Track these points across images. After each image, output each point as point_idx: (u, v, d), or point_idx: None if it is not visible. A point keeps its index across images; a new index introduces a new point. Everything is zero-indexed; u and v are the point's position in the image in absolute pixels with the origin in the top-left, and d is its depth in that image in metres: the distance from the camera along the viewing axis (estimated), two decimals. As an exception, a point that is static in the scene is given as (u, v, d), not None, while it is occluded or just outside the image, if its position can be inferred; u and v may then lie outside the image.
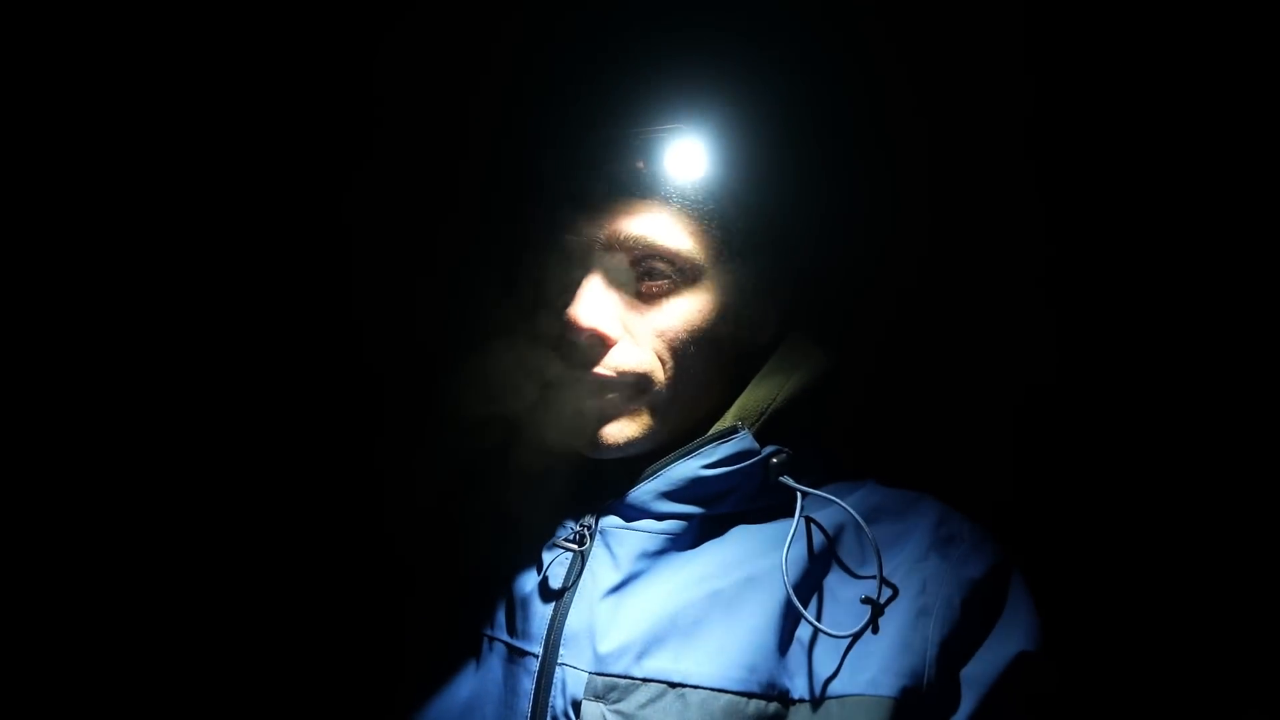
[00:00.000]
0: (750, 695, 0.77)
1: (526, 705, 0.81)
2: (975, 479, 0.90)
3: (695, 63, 0.85)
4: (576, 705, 0.79)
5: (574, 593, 0.83)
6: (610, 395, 0.84)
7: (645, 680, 0.78)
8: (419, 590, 0.89)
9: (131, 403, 1.00)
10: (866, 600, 0.78)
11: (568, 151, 0.84)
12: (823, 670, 0.78)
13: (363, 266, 1.01)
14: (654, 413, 0.86)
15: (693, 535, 0.86)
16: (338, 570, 0.91)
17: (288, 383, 1.03)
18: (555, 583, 0.84)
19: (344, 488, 0.96)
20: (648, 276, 0.85)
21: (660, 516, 0.85)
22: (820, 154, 0.92)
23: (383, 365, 0.99)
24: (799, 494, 0.84)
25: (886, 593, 0.79)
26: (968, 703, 0.77)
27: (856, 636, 0.78)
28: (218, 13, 0.98)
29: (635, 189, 0.84)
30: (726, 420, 0.87)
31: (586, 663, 0.80)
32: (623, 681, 0.79)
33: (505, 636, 0.84)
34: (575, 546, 0.84)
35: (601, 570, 0.84)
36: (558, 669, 0.80)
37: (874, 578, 0.80)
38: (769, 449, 0.85)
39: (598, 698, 0.79)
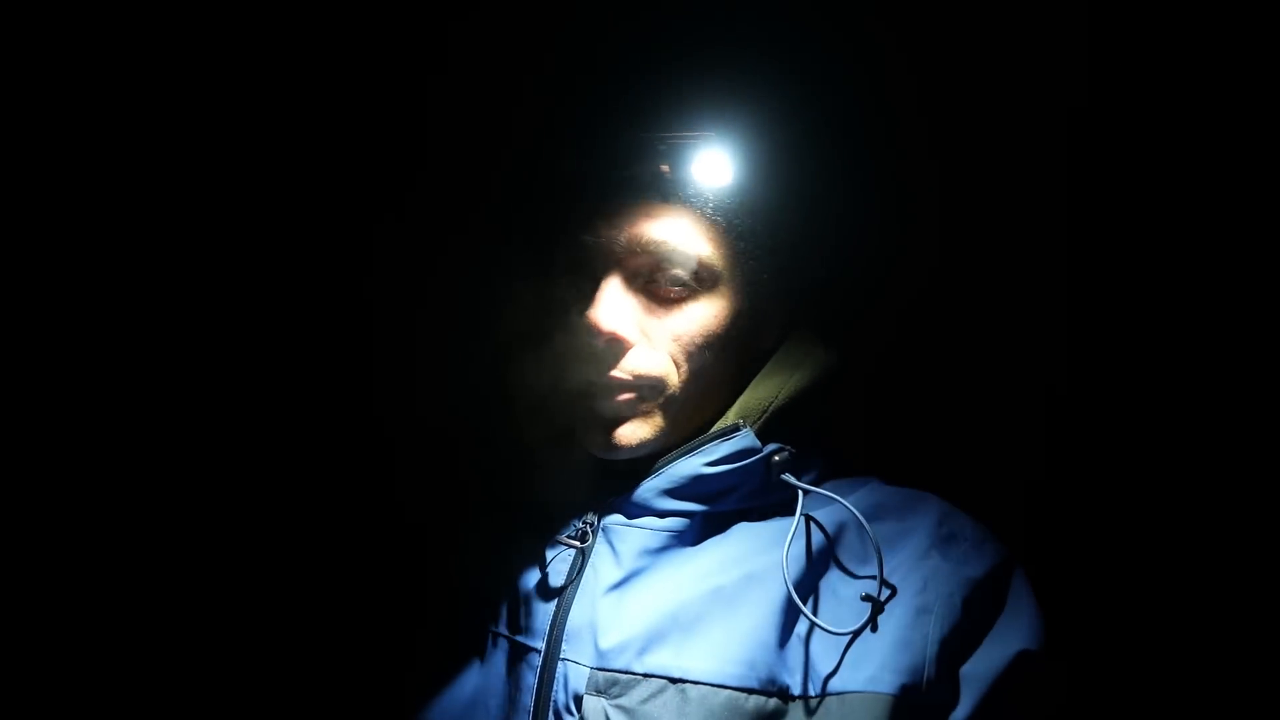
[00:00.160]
0: (750, 691, 0.77)
1: (529, 700, 0.81)
2: (979, 478, 0.90)
3: (724, 73, 0.86)
4: (578, 700, 0.79)
5: (576, 589, 0.84)
6: (624, 397, 0.85)
7: (646, 675, 0.79)
8: (424, 587, 0.90)
9: (147, 403, 1.02)
10: (867, 598, 0.78)
11: (593, 152, 0.85)
12: (822, 667, 0.78)
13: (381, 262, 1.02)
14: (666, 414, 0.86)
15: (695, 533, 0.86)
16: (344, 566, 0.92)
17: (297, 375, 1.04)
18: (558, 579, 0.85)
19: (352, 483, 0.97)
20: (666, 281, 0.85)
21: (662, 514, 0.86)
22: (839, 164, 0.93)
23: (394, 362, 1.01)
24: (800, 492, 0.84)
25: (886, 591, 0.79)
26: (967, 701, 0.77)
27: (856, 634, 0.78)
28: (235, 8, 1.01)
29: (657, 193, 0.84)
30: (729, 418, 0.87)
31: (588, 658, 0.81)
32: (624, 677, 0.79)
33: (508, 632, 0.85)
34: (577, 543, 0.85)
35: (604, 567, 0.85)
36: (560, 664, 0.81)
37: (874, 576, 0.80)
38: (771, 447, 0.86)
39: (599, 692, 0.79)
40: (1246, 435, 0.95)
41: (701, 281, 0.85)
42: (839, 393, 0.90)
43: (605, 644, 0.80)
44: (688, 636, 0.80)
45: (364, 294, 1.02)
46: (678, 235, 0.84)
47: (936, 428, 1.00)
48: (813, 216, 0.90)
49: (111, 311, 1.01)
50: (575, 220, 0.85)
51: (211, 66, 1.01)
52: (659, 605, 0.82)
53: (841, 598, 0.82)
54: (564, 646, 0.82)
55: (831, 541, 0.84)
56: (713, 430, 0.87)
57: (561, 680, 0.81)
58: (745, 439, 0.85)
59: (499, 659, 0.85)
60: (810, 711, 0.77)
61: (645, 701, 0.78)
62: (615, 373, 0.84)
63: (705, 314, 0.86)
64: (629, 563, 0.84)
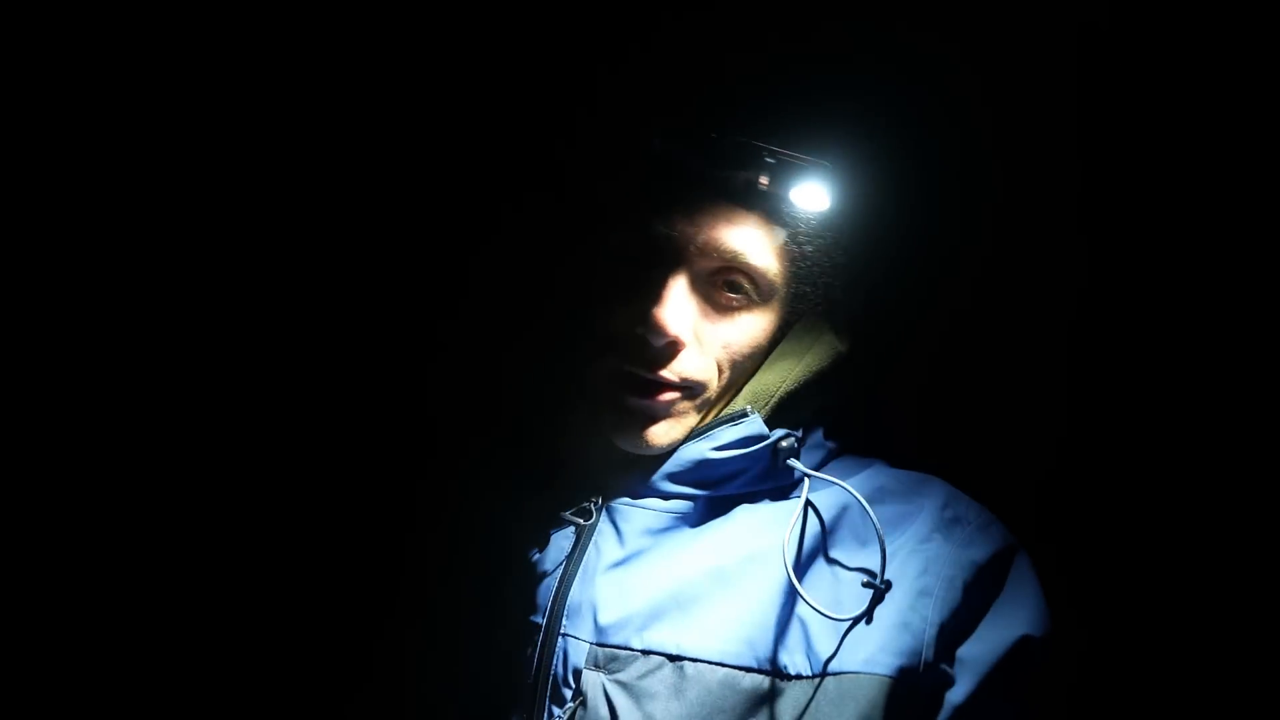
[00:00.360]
0: (747, 670, 0.78)
1: (529, 673, 0.82)
2: (989, 465, 0.89)
3: (842, 109, 0.85)
4: (577, 674, 0.80)
5: (578, 566, 0.84)
6: (666, 397, 0.84)
7: (645, 652, 0.80)
8: (427, 563, 0.92)
9: (168, 403, 1.05)
10: (868, 585, 0.78)
11: (699, 145, 0.82)
12: (820, 648, 0.78)
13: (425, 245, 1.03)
14: (697, 413, 0.86)
15: (698, 514, 0.87)
16: (347, 544, 0.94)
17: (317, 358, 1.06)
18: (560, 555, 0.86)
19: (360, 464, 0.99)
20: (727, 288, 0.84)
21: (667, 496, 0.86)
22: (919, 216, 0.92)
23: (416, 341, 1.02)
24: (806, 478, 0.84)
25: (887, 578, 0.79)
26: (965, 684, 0.77)
27: (855, 622, 0.78)
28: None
29: (745, 202, 0.82)
30: (738, 403, 0.87)
31: (588, 633, 0.81)
32: (623, 653, 0.80)
33: (510, 606, 0.86)
34: (581, 521, 0.86)
35: (606, 545, 0.85)
36: (560, 639, 0.82)
37: (876, 559, 0.80)
38: (778, 433, 0.85)
39: (598, 667, 0.80)
40: (1257, 430, 0.94)
41: (760, 294, 0.85)
42: (847, 377, 0.89)
43: (605, 620, 0.81)
44: (687, 615, 0.80)
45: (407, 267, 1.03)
46: (753, 247, 0.83)
47: (945, 413, 0.99)
48: (882, 254, 0.90)
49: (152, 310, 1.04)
50: (654, 208, 0.83)
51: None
52: (660, 584, 0.82)
53: (842, 580, 0.81)
54: (564, 622, 0.82)
55: (834, 524, 0.84)
56: (721, 415, 0.86)
57: (561, 655, 0.81)
58: (753, 425, 0.85)
59: (500, 633, 0.86)
60: (807, 692, 0.77)
61: (643, 677, 0.79)
62: (664, 373, 0.83)
63: (756, 326, 0.86)
64: (631, 542, 0.85)
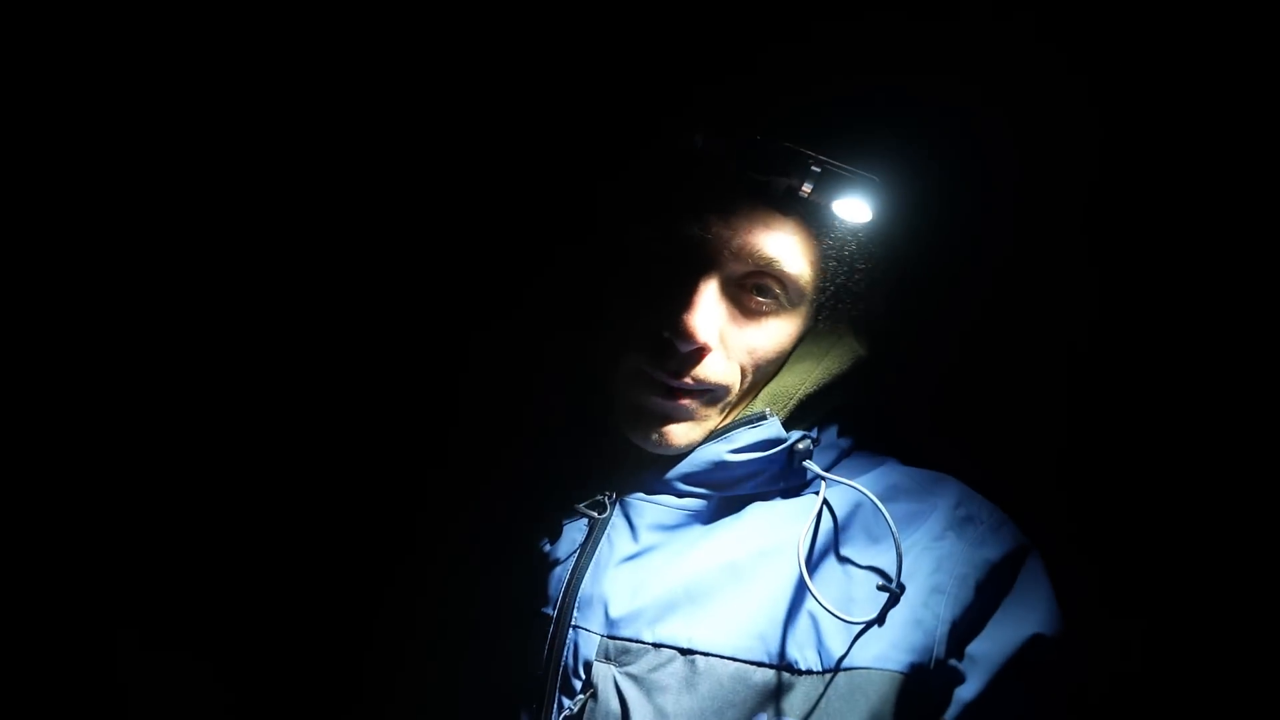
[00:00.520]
0: (758, 665, 0.78)
1: (539, 664, 0.82)
2: (999, 469, 0.90)
3: (893, 124, 0.84)
4: (588, 666, 0.80)
5: (591, 559, 0.85)
6: (687, 401, 0.84)
7: (657, 645, 0.80)
8: (440, 552, 0.91)
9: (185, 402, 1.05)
10: (883, 588, 0.78)
11: (743, 147, 0.80)
12: (831, 643, 0.79)
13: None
14: (717, 415, 0.86)
15: (711, 511, 0.87)
16: (363, 534, 0.93)
17: (342, 354, 1.06)
18: (572, 548, 0.86)
19: (376, 455, 0.98)
20: (757, 293, 0.84)
21: (681, 494, 0.87)
22: (956, 229, 0.93)
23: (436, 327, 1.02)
24: (822, 480, 0.84)
25: (900, 580, 0.79)
26: (977, 681, 0.78)
27: (867, 626, 0.78)
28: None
29: (783, 208, 0.82)
30: (756, 405, 0.87)
31: (599, 626, 0.81)
32: (635, 645, 0.80)
33: (522, 598, 0.86)
34: (594, 514, 0.86)
35: (619, 539, 0.85)
36: (571, 631, 0.82)
37: (888, 557, 0.81)
38: (795, 435, 0.86)
39: (609, 660, 0.80)
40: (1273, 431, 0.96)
41: (790, 300, 0.85)
42: (864, 379, 0.90)
43: (616, 613, 0.81)
44: (699, 609, 0.81)
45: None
46: (787, 254, 0.82)
47: (959, 413, 1.00)
48: (911, 269, 0.91)
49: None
50: (689, 208, 0.82)
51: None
52: (672, 578, 0.82)
53: (853, 578, 0.82)
54: (575, 614, 0.82)
55: (847, 522, 0.85)
56: (739, 417, 0.86)
57: (571, 646, 0.81)
58: (771, 428, 0.85)
59: (511, 624, 0.85)
60: (818, 687, 0.77)
61: (654, 670, 0.79)
62: (688, 378, 0.82)
63: (782, 332, 0.86)
64: (644, 537, 0.85)
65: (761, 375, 0.87)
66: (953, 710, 0.77)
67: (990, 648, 0.79)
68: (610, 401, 0.87)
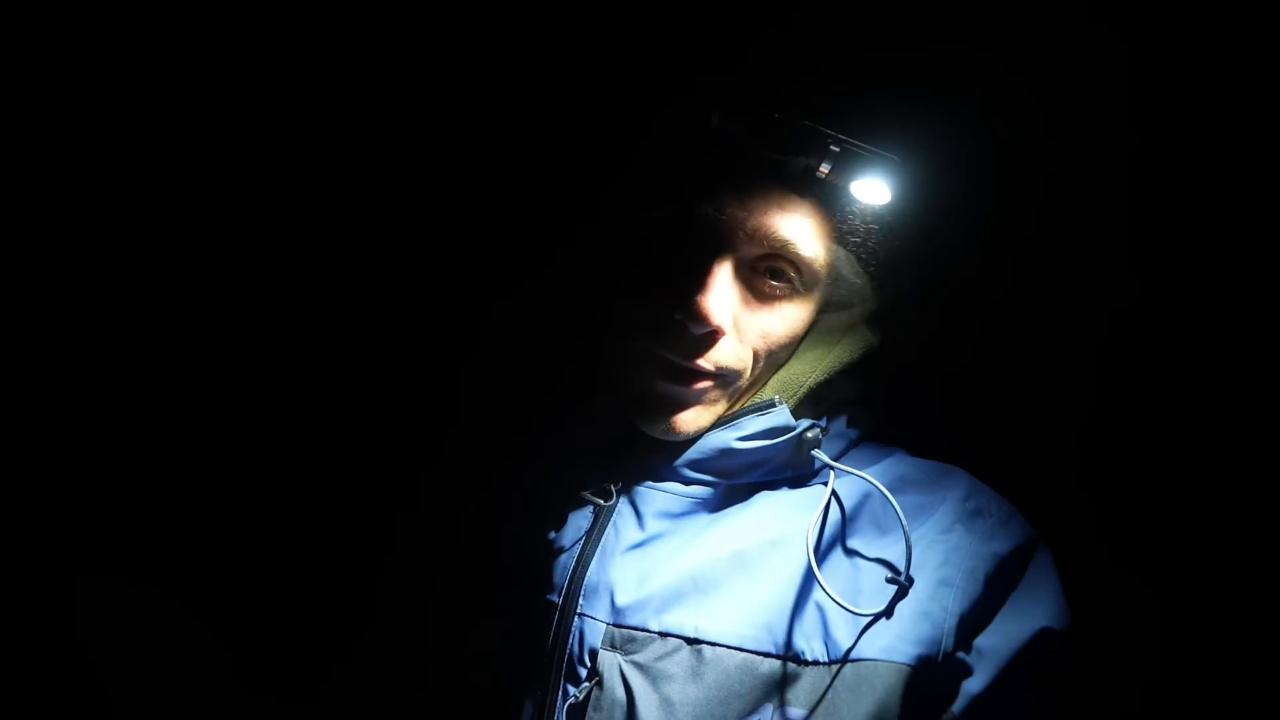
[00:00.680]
0: (765, 655, 0.78)
1: (544, 651, 0.82)
2: (1009, 460, 0.89)
3: (915, 105, 0.82)
4: (594, 654, 0.80)
5: (597, 546, 0.84)
6: (699, 386, 0.82)
7: (663, 634, 0.79)
8: (447, 538, 0.90)
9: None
10: (892, 580, 0.78)
11: (761, 126, 0.78)
12: (839, 635, 0.78)
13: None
14: (727, 401, 0.85)
15: (718, 499, 0.86)
16: (369, 521, 0.92)
17: (352, 343, 1.04)
18: (578, 535, 0.85)
19: (383, 442, 0.97)
20: (771, 275, 0.82)
21: (688, 481, 0.86)
22: (975, 222, 0.90)
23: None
24: (831, 470, 0.83)
25: (909, 573, 0.78)
26: (984, 674, 0.77)
27: (875, 619, 0.78)
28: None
29: (799, 189, 0.80)
30: (766, 392, 0.86)
31: (605, 614, 0.81)
32: (641, 634, 0.80)
33: (527, 585, 0.85)
34: (600, 501, 0.85)
35: (625, 527, 0.85)
36: (577, 619, 0.81)
37: (896, 549, 0.80)
38: (804, 423, 0.84)
39: (615, 648, 0.80)
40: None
41: (804, 284, 0.83)
42: (876, 369, 0.88)
43: (623, 601, 0.81)
44: (706, 598, 0.80)
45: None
46: (803, 236, 0.80)
47: (969, 405, 0.99)
48: (928, 254, 0.89)
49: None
50: (704, 188, 0.80)
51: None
52: (679, 566, 0.82)
53: (861, 569, 0.81)
54: (581, 601, 0.82)
55: (855, 512, 0.84)
56: (748, 404, 0.85)
57: (577, 634, 0.81)
58: (780, 416, 0.83)
59: (518, 612, 0.85)
60: (824, 678, 0.77)
61: (660, 659, 0.78)
62: (700, 362, 0.81)
63: (796, 316, 0.84)
64: (651, 524, 0.84)
65: (773, 361, 0.85)
66: (960, 703, 0.77)
67: (998, 641, 0.78)
68: (618, 386, 0.85)
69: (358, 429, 1.00)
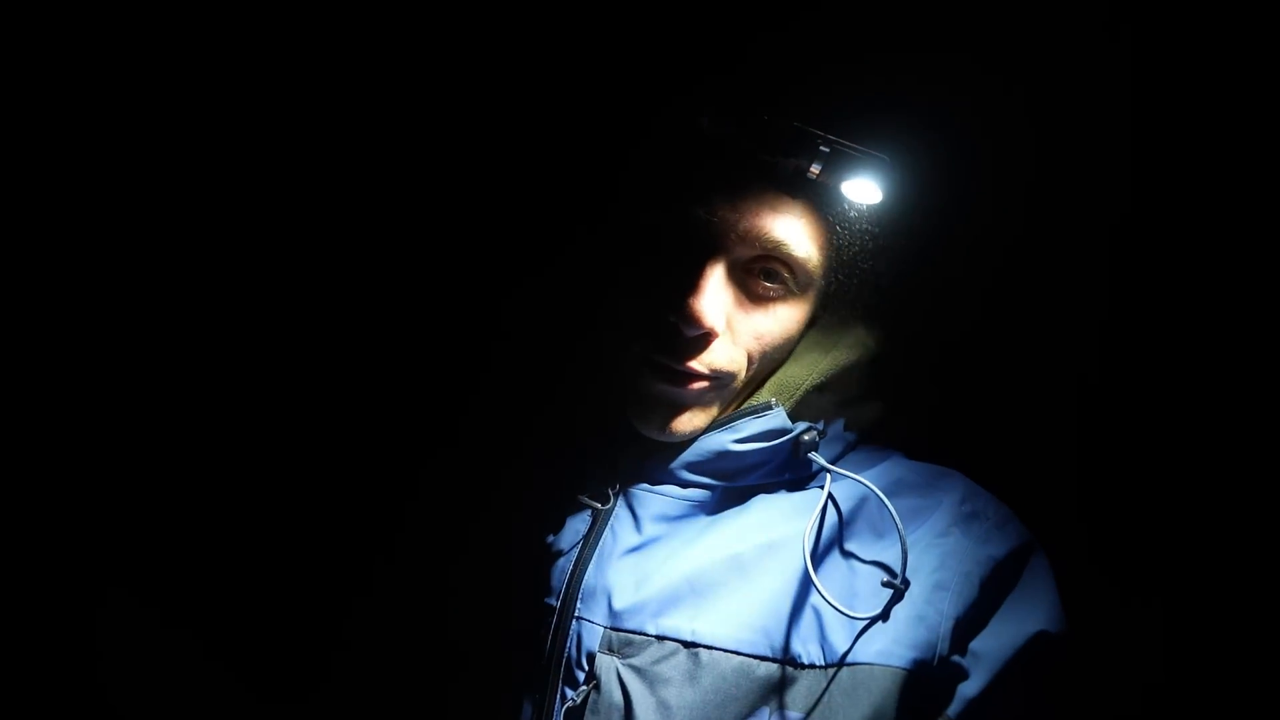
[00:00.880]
0: (762, 659, 0.78)
1: (542, 654, 0.82)
2: (1006, 463, 0.89)
3: (909, 99, 0.82)
4: (591, 657, 0.80)
5: (595, 550, 0.84)
6: (695, 387, 0.82)
7: (660, 638, 0.80)
8: (445, 542, 0.90)
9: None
10: (888, 584, 0.78)
11: (751, 127, 0.78)
12: (835, 638, 0.78)
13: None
14: (723, 403, 0.85)
15: (715, 502, 0.86)
16: (367, 524, 0.93)
17: (346, 349, 1.06)
18: (576, 538, 0.86)
19: (381, 445, 0.98)
20: (764, 277, 0.82)
21: (685, 484, 0.86)
22: (967, 213, 0.91)
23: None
24: (827, 473, 0.83)
25: (905, 576, 0.78)
26: (980, 677, 0.78)
27: (871, 622, 0.78)
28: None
29: (791, 190, 0.80)
30: (763, 394, 0.86)
31: (603, 618, 0.81)
32: (638, 638, 0.80)
33: (526, 589, 0.86)
34: (598, 505, 0.85)
35: (623, 530, 0.85)
36: (574, 622, 0.82)
37: (892, 553, 0.80)
38: (800, 426, 0.84)
39: (612, 651, 0.80)
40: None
41: (798, 285, 0.83)
42: (872, 372, 0.88)
43: (620, 605, 0.81)
44: (703, 602, 0.80)
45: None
46: (795, 237, 0.80)
47: (966, 408, 0.99)
48: (922, 254, 0.88)
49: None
50: (695, 191, 0.80)
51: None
52: (676, 570, 0.82)
53: (857, 572, 0.82)
54: (579, 605, 0.82)
55: (851, 516, 0.84)
56: (745, 407, 0.85)
57: (575, 638, 0.81)
58: (776, 418, 0.84)
59: (516, 615, 0.85)
60: (821, 681, 0.77)
61: (657, 663, 0.79)
62: (694, 364, 0.81)
63: (790, 318, 0.84)
64: (648, 528, 0.85)
65: (768, 363, 0.85)
66: (956, 706, 0.78)
67: (994, 644, 0.79)
68: (616, 389, 0.86)
69: (355, 435, 1.01)
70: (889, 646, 0.77)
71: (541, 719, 0.81)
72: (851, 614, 0.77)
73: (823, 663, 0.78)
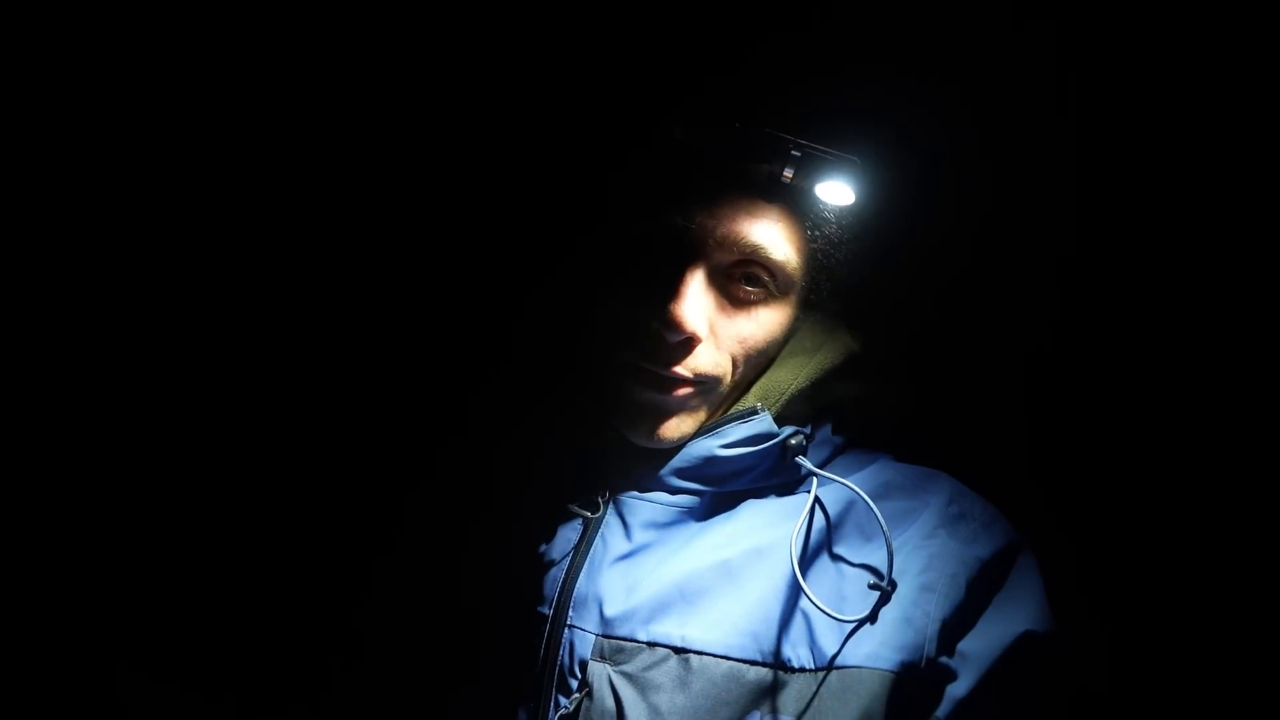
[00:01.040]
0: (751, 663, 0.79)
1: (536, 663, 0.83)
2: (993, 463, 0.89)
3: (877, 100, 0.83)
4: (583, 665, 0.81)
5: (585, 558, 0.85)
6: (680, 393, 0.83)
7: (651, 644, 0.80)
8: (436, 552, 0.92)
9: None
10: (874, 586, 0.78)
11: (722, 135, 0.80)
12: (824, 641, 0.79)
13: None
14: (709, 408, 0.86)
15: (704, 508, 0.87)
16: (357, 532, 0.95)
17: (335, 355, 1.07)
18: (567, 547, 0.86)
19: (371, 453, 0.99)
20: (745, 282, 0.83)
21: (674, 490, 0.87)
22: (943, 213, 0.91)
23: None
24: (814, 476, 0.84)
25: (893, 578, 0.79)
26: (968, 678, 0.77)
27: (860, 624, 0.78)
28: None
29: (766, 195, 0.81)
30: (748, 399, 0.86)
31: (594, 625, 0.82)
32: (629, 644, 0.81)
33: (519, 598, 0.86)
34: (588, 513, 0.86)
35: (613, 538, 0.86)
36: (566, 630, 0.83)
37: (880, 556, 0.80)
38: (786, 430, 0.85)
39: (604, 659, 0.81)
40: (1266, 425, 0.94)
41: (778, 288, 0.83)
42: (858, 375, 0.89)
43: (611, 612, 0.82)
44: (693, 608, 0.81)
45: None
46: (773, 241, 0.81)
47: (952, 411, 0.99)
48: (900, 254, 0.89)
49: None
50: (672, 199, 0.81)
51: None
52: (666, 577, 0.83)
53: (846, 576, 0.82)
54: (571, 613, 0.83)
55: (839, 520, 0.84)
56: (731, 412, 0.86)
57: (567, 646, 0.82)
58: (763, 423, 0.84)
59: (507, 623, 0.86)
60: (810, 685, 0.78)
61: (648, 669, 0.79)
62: (678, 369, 0.82)
63: (772, 320, 0.85)
64: (638, 535, 0.86)
65: (753, 367, 0.86)
66: (945, 707, 0.77)
67: (982, 645, 0.78)
68: (603, 397, 0.87)
69: (343, 443, 1.02)
70: (877, 649, 0.77)
71: None
72: (839, 616, 0.78)
73: (813, 666, 0.78)
